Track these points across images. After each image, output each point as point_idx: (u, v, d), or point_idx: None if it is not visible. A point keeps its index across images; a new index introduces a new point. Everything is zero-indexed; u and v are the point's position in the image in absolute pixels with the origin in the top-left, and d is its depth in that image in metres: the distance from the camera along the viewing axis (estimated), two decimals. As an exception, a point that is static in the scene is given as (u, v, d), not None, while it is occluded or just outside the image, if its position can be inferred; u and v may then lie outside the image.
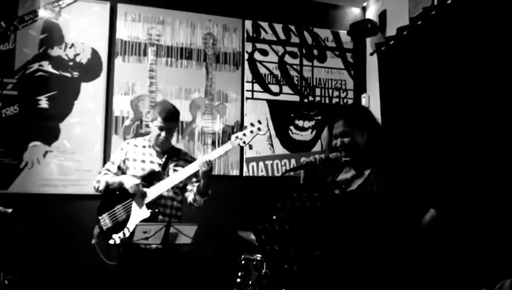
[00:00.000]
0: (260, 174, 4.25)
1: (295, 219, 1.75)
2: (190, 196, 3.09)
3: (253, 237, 2.78)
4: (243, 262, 2.83)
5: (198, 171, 2.93)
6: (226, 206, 3.76)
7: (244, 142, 2.98)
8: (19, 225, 3.04)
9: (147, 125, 3.86)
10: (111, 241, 2.87)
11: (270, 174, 4.28)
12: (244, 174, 4.20)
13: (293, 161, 4.36)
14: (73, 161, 3.76)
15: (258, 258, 2.77)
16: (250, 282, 2.67)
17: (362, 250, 1.88)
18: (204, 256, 3.54)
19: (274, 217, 1.80)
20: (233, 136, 3.01)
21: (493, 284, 0.93)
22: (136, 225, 2.65)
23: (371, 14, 4.52)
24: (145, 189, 2.92)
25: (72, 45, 3.86)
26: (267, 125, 4.30)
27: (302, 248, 1.87)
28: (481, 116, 2.75)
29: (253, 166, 4.24)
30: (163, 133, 3.02)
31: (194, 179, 3.09)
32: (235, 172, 4.18)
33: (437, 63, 3.19)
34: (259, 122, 3.01)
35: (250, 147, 4.19)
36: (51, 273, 3.52)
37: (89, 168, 3.74)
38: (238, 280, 2.74)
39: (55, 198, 3.67)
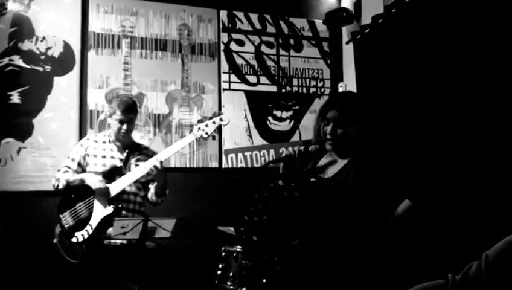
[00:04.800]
0: (240, 165, 4.24)
1: (273, 209, 1.75)
2: (148, 195, 3.10)
3: (232, 229, 2.77)
4: (223, 254, 2.81)
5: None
6: (206, 199, 3.75)
7: (206, 133, 2.98)
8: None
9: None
10: (74, 240, 2.84)
11: (249, 165, 4.27)
12: (223, 166, 4.19)
13: (272, 152, 4.35)
14: (48, 156, 3.68)
15: (239, 250, 2.76)
16: (230, 274, 2.65)
17: (337, 239, 1.89)
18: (185, 249, 3.52)
19: (252, 209, 1.80)
20: (195, 128, 3.01)
21: (461, 269, 0.94)
22: (114, 220, 2.62)
23: (346, 2, 4.52)
24: (107, 185, 2.89)
25: (43, 38, 3.76)
26: (245, 116, 4.29)
27: (281, 237, 1.87)
28: (457, 105, 2.77)
29: (232, 158, 4.22)
30: (124, 126, 2.99)
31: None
32: (214, 164, 4.16)
33: (412, 51, 3.21)
34: (221, 112, 3.00)
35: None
36: (29, 273, 3.46)
37: (64, 163, 3.69)
38: (219, 272, 2.72)
39: (30, 195, 3.60)
